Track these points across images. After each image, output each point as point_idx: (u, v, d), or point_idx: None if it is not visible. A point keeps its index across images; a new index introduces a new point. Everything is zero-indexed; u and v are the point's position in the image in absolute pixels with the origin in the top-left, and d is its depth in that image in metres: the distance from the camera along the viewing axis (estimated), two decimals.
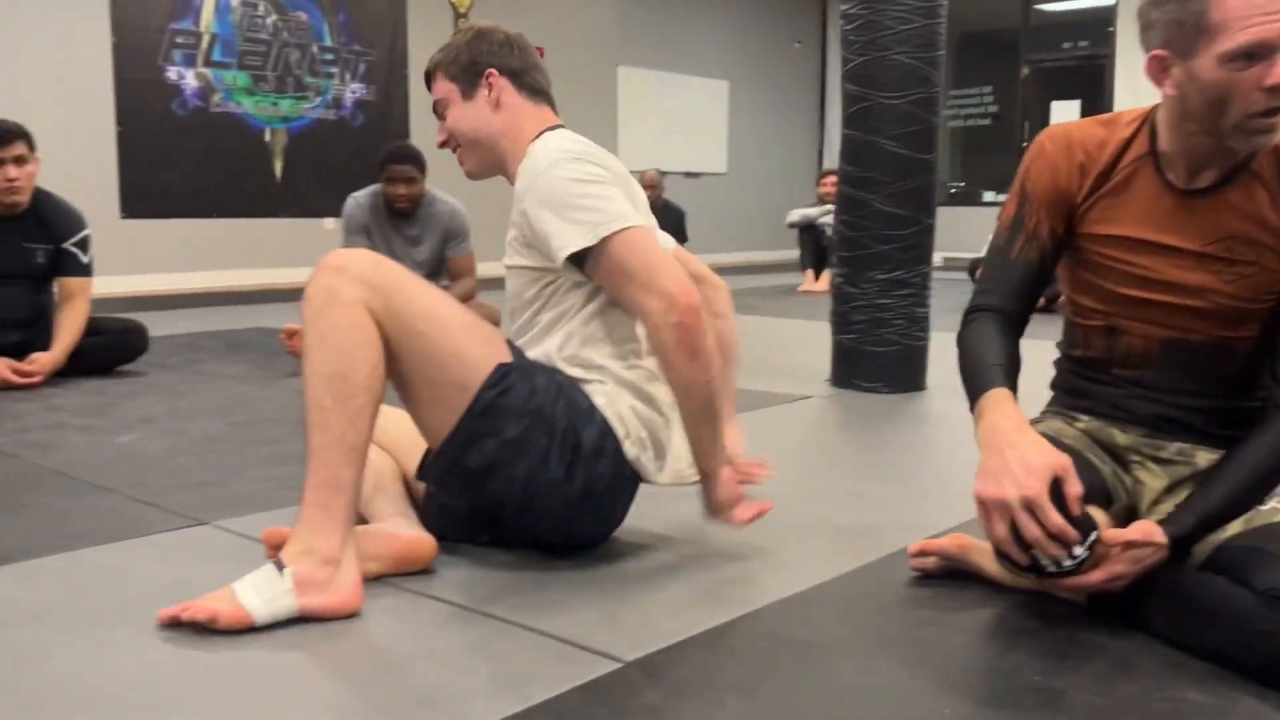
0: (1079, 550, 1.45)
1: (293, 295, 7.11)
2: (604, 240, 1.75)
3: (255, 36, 7.62)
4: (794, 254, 8.31)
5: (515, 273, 1.92)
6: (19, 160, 3.58)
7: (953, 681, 1.43)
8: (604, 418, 1.80)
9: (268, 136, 7.76)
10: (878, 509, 2.25)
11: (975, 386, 1.56)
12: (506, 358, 1.78)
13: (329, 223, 7.95)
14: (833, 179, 8.07)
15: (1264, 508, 1.51)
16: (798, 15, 12.30)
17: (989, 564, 1.71)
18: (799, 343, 4.65)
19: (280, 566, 1.60)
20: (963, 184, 11.88)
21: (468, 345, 1.76)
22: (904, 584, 1.78)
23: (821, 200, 8.21)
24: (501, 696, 1.35)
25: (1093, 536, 1.47)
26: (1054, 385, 1.79)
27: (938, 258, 3.80)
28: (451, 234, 4.66)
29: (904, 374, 3.67)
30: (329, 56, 8.02)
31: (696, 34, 10.91)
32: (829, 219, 7.91)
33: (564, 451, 1.76)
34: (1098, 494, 1.59)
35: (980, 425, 1.51)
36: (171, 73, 7.24)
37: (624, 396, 1.84)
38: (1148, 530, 1.47)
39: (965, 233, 9.98)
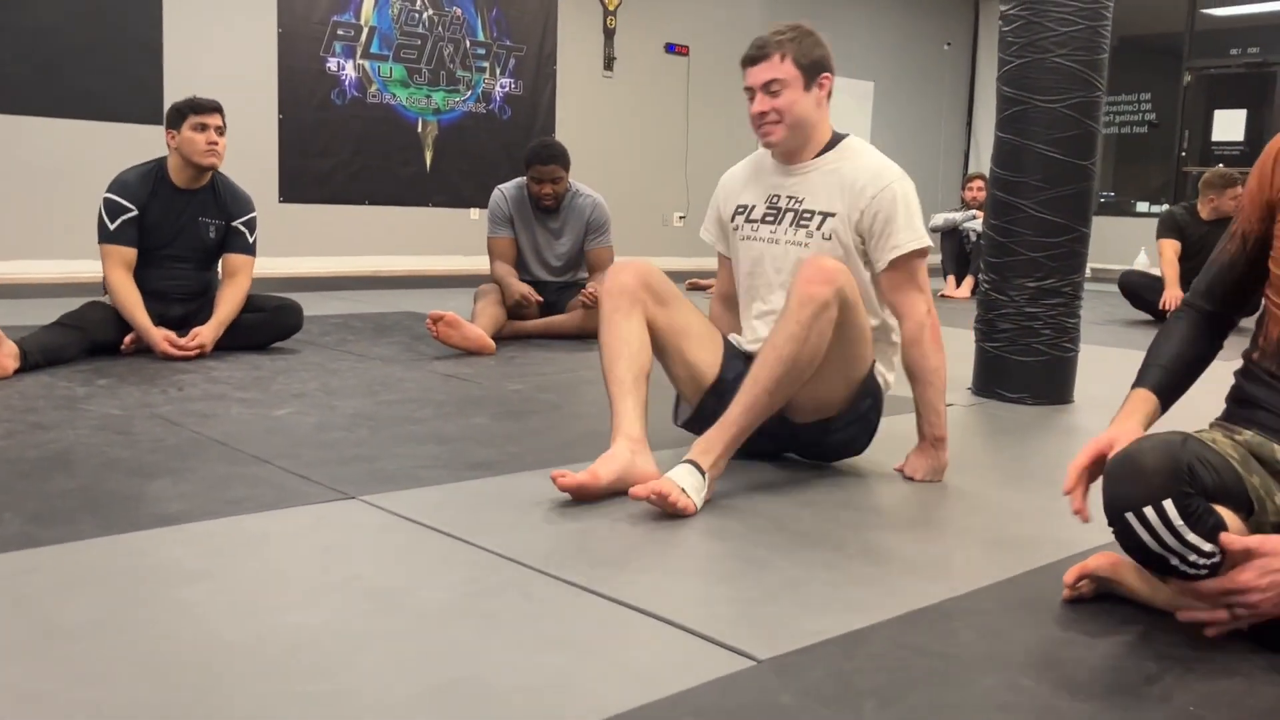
0: (1209, 547, 1.44)
1: (439, 281, 7.31)
2: (921, 249, 2.40)
3: (412, 30, 7.84)
4: (935, 258, 8.14)
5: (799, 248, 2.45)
6: (219, 130, 3.84)
7: (1099, 705, 1.38)
8: (876, 376, 2.46)
9: (420, 128, 7.98)
10: (1022, 522, 2.18)
11: (1137, 378, 1.73)
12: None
13: (475, 213, 8.14)
14: (979, 183, 7.86)
15: None
16: (948, 16, 12.02)
17: (1138, 582, 1.66)
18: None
19: (700, 469, 2.14)
20: (1113, 194, 11.43)
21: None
22: (1050, 601, 1.72)
23: (966, 205, 8.01)
24: (633, 686, 1.36)
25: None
26: (1228, 397, 1.73)
27: (1086, 269, 3.67)
28: (593, 227, 4.71)
29: (1051, 385, 3.55)
30: (481, 51, 8.21)
31: (843, 33, 10.76)
32: (974, 224, 7.71)
33: (877, 412, 2.48)
34: (1237, 500, 1.53)
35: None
36: (331, 64, 7.52)
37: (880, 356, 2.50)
38: (1272, 540, 1.40)
39: (1115, 244, 9.60)
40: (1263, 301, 1.72)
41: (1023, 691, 1.39)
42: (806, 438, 2.48)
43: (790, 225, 2.48)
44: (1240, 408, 1.68)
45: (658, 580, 1.75)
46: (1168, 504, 1.45)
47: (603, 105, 9.06)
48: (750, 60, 2.43)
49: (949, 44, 12.05)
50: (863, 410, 2.44)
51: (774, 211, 2.51)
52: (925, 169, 11.39)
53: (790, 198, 2.49)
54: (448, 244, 8.13)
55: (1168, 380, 1.65)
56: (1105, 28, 3.49)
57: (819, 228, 2.45)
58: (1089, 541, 1.98)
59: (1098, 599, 1.72)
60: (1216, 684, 1.43)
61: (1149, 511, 1.45)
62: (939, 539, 2.06)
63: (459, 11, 8.05)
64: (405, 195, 7.98)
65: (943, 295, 7.48)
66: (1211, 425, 1.71)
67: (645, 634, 1.54)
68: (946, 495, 2.41)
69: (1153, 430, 1.61)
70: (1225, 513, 1.51)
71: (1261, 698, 1.39)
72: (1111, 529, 1.53)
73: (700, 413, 2.46)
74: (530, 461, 2.49)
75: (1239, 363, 1.75)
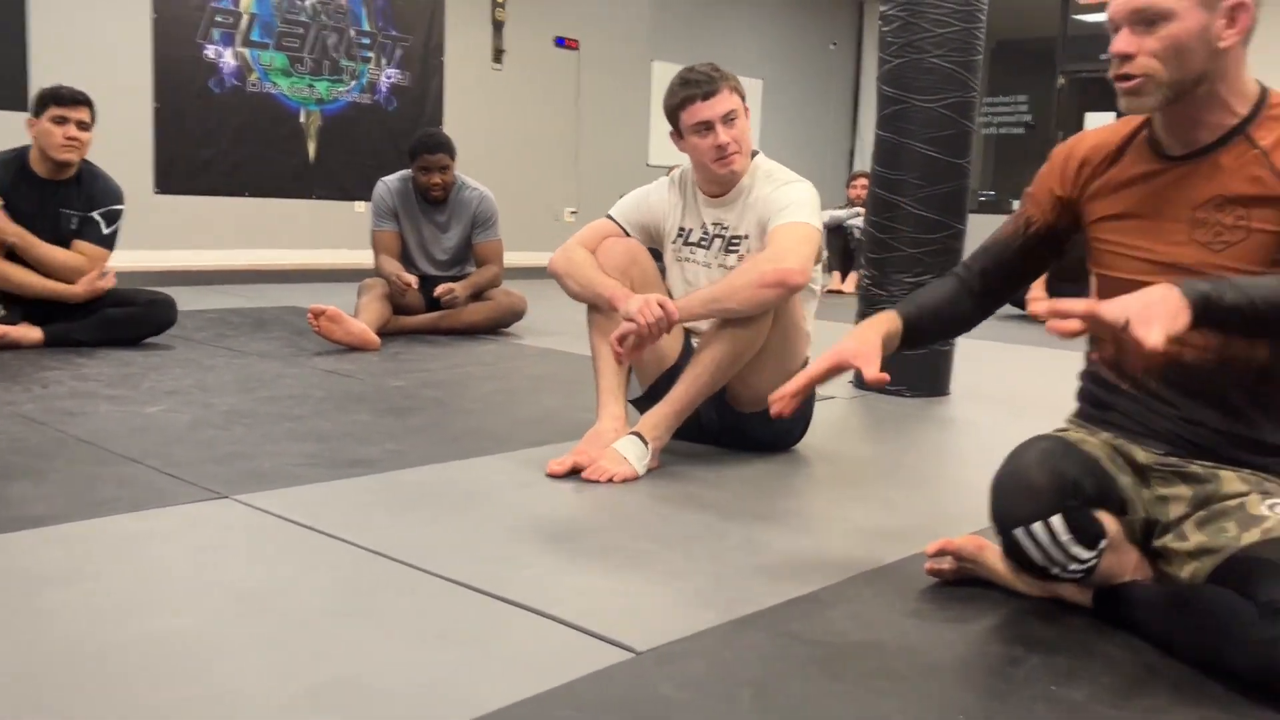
0: (1088, 556, 1.49)
1: (322, 276, 7.16)
2: (806, 224, 2.54)
3: (294, 18, 7.65)
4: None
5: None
6: (82, 124, 3.69)
7: (967, 687, 1.42)
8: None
9: (302, 118, 7.79)
10: (897, 512, 2.24)
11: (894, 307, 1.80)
12: None
13: (360, 206, 7.98)
14: (863, 181, 8.04)
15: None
16: (834, 16, 12.25)
17: (1002, 567, 1.72)
18: (823, 343, 4.63)
19: (643, 440, 2.37)
20: (993, 193, 11.80)
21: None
22: (921, 588, 1.77)
23: (851, 202, 8.19)
24: (512, 681, 1.35)
25: (1102, 544, 1.50)
26: (1080, 397, 1.79)
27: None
28: (480, 220, 4.67)
29: (929, 378, 3.65)
30: (366, 41, 8.05)
31: (732, 31, 10.87)
32: (857, 221, 7.89)
33: (810, 406, 2.70)
34: (1113, 502, 1.59)
35: None
36: (210, 51, 7.28)
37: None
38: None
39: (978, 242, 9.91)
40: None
41: (895, 676, 1.43)
42: (746, 426, 2.65)
43: (720, 250, 2.63)
44: (1095, 409, 1.74)
45: (540, 575, 1.75)
46: (1056, 520, 1.50)
47: (492, 98, 8.98)
48: (706, 95, 2.50)
49: (834, 44, 12.27)
50: (796, 405, 2.56)
51: (707, 238, 2.66)
52: (812, 167, 11.57)
53: (715, 224, 2.65)
54: (332, 237, 7.96)
55: (919, 321, 1.75)
56: (980, 30, 3.60)
57: (749, 252, 2.57)
58: (960, 529, 2.04)
59: (965, 583, 1.77)
60: (1076, 663, 1.48)
61: (1038, 528, 1.51)
62: (818, 529, 2.10)
63: (343, 0, 7.88)
64: (287, 187, 7.79)
65: (828, 290, 7.63)
66: (1070, 424, 1.77)
67: (525, 629, 1.53)
68: (827, 486, 2.46)
69: (1035, 438, 1.64)
70: (1104, 516, 1.56)
71: (1117, 675, 1.45)
72: (1000, 541, 1.58)
73: (652, 392, 2.62)
74: (412, 459, 2.45)
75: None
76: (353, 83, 8.03)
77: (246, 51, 7.47)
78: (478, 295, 4.63)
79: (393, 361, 3.83)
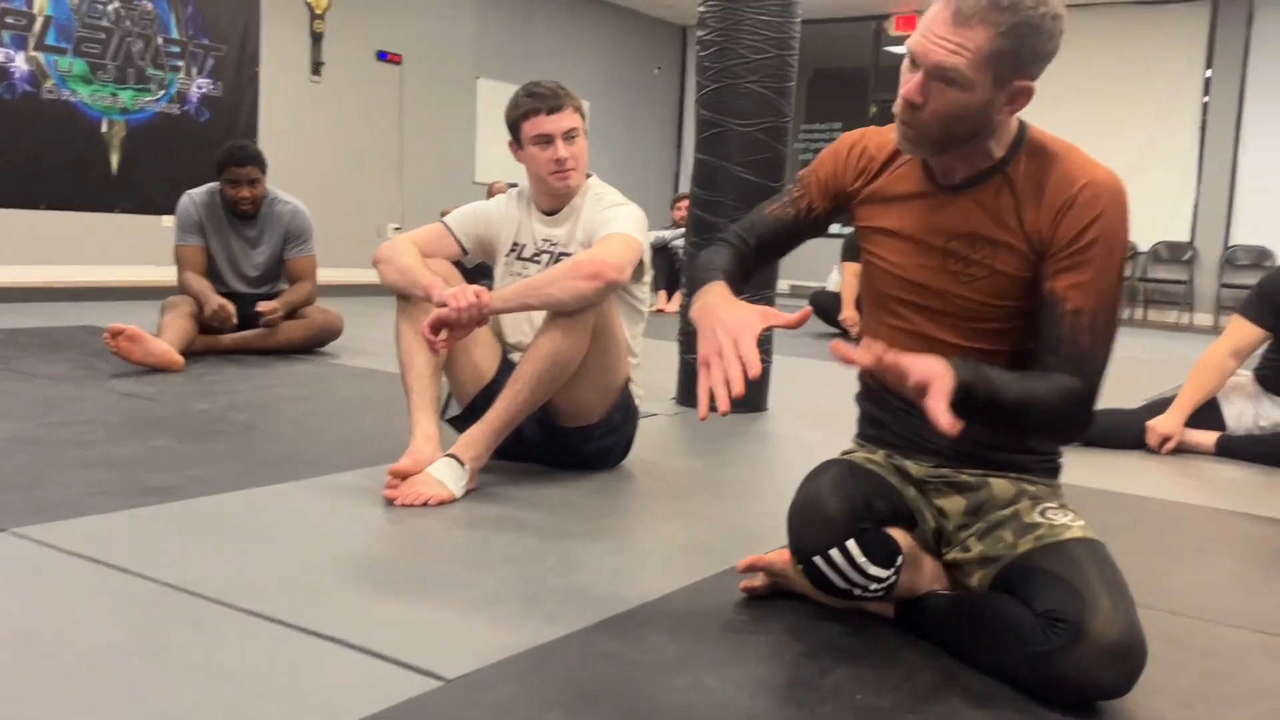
0: (886, 574, 1.53)
1: (125, 293, 6.77)
2: (629, 236, 2.53)
3: (94, 23, 7.25)
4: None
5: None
6: None
7: (777, 701, 1.44)
8: (631, 393, 2.67)
9: (105, 128, 7.39)
10: (714, 527, 2.26)
11: (698, 284, 1.65)
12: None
13: (167, 220, 7.59)
14: (687, 203, 8.17)
15: (1056, 522, 1.57)
16: (659, 41, 12.46)
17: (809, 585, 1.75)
18: (647, 362, 4.67)
19: (460, 462, 2.32)
20: None
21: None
22: (733, 602, 1.79)
23: (676, 223, 8.32)
24: (314, 716, 1.29)
25: (898, 560, 1.54)
26: (859, 418, 1.85)
27: (783, 285, 3.89)
28: (293, 235, 4.51)
29: (747, 395, 3.70)
30: (175, 49, 7.70)
31: (558, 52, 10.92)
32: (682, 241, 8.01)
33: (632, 427, 2.71)
34: (902, 517, 1.65)
35: (695, 306, 1.58)
36: None
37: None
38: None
39: (811, 262, 10.23)
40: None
41: (707, 691, 1.43)
42: (569, 443, 2.62)
43: (550, 267, 2.60)
44: (871, 428, 1.81)
45: (346, 604, 1.68)
46: (851, 544, 1.54)
47: (311, 111, 8.73)
48: (550, 109, 2.55)
49: (659, 68, 12.47)
50: (617, 422, 2.63)
51: (539, 254, 2.67)
52: (638, 189, 11.69)
53: (546, 240, 2.67)
54: (136, 253, 7.55)
55: (729, 279, 1.66)
56: (793, 57, 3.70)
57: None
58: (776, 541, 2.07)
59: (775, 595, 1.80)
60: (881, 672, 1.52)
61: (835, 554, 1.54)
62: (637, 547, 2.10)
63: (149, 6, 7.52)
64: (88, 200, 7.36)
65: (654, 310, 7.71)
66: (854, 444, 1.83)
67: (329, 661, 1.46)
68: (647, 503, 2.47)
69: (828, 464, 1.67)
70: (897, 533, 1.62)
71: (919, 683, 1.50)
72: (799, 568, 1.61)
73: (470, 410, 2.57)
74: (215, 485, 2.33)
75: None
76: (161, 92, 7.67)
77: (41, 56, 7.03)
78: (291, 314, 4.47)
79: (198, 383, 3.65)
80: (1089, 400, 1.52)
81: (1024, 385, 1.49)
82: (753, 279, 1.84)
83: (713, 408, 1.41)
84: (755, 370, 1.40)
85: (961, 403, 1.41)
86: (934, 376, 1.35)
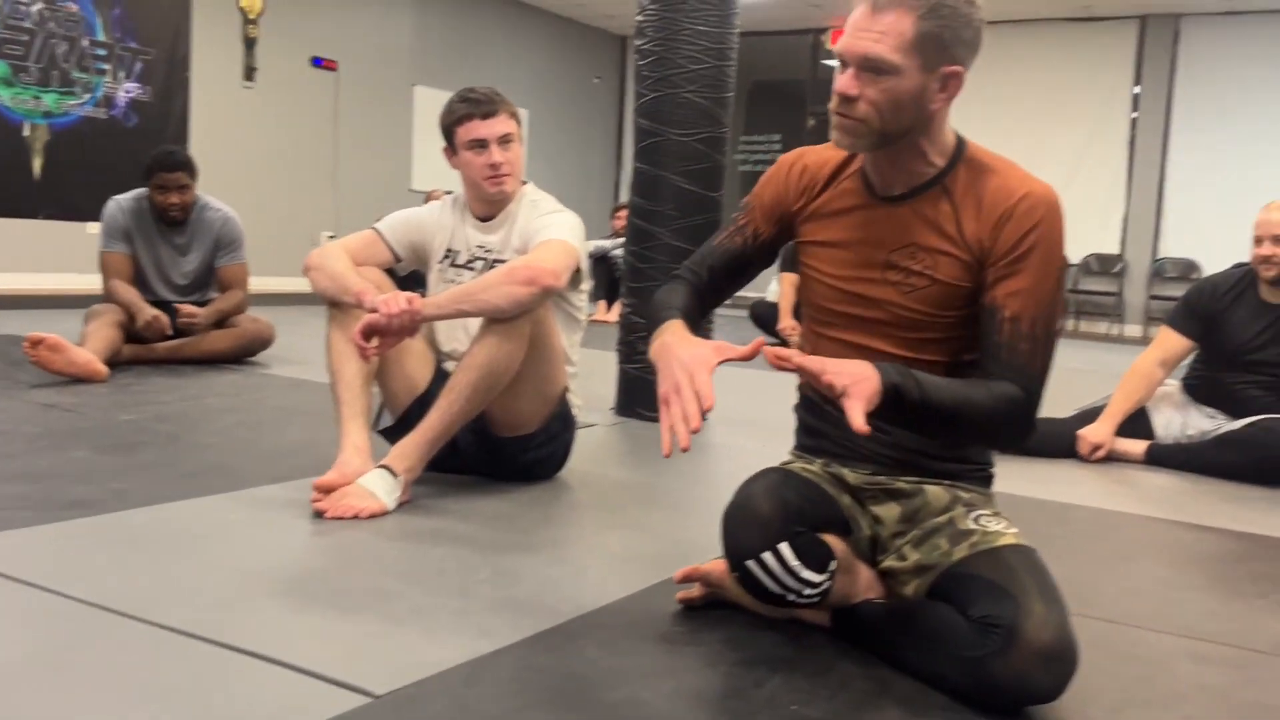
0: (819, 579, 1.53)
1: (47, 302, 6.59)
2: (565, 242, 2.51)
3: (17, 24, 7.06)
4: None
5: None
6: None
7: (712, 712, 1.42)
8: (569, 403, 2.64)
9: (26, 131, 7.19)
10: (651, 537, 2.25)
11: (656, 323, 1.68)
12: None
13: (92, 227, 7.41)
14: (626, 212, 8.17)
15: (990, 529, 1.58)
16: (599, 50, 12.46)
17: (745, 593, 1.74)
18: (586, 372, 4.65)
19: (393, 473, 2.27)
20: None
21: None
22: (670, 613, 1.77)
23: (616, 233, 8.31)
24: None
25: (832, 565, 1.54)
26: (796, 429, 1.86)
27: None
28: (224, 242, 4.42)
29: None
30: (101, 52, 7.53)
31: (497, 60, 10.87)
32: (621, 251, 8.00)
33: (570, 436, 2.67)
34: (837, 524, 1.65)
35: (654, 345, 1.61)
36: None
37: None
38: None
39: None
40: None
41: (642, 704, 1.41)
42: (505, 453, 2.57)
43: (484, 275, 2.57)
44: (808, 438, 1.82)
45: (272, 619, 1.63)
46: (784, 547, 1.53)
47: (244, 117, 8.59)
48: (485, 114, 2.53)
49: (599, 78, 12.48)
50: (555, 432, 2.59)
51: (474, 261, 2.63)
52: (578, 198, 11.69)
53: (480, 247, 2.63)
54: (60, 261, 7.36)
55: (686, 319, 1.67)
56: (730, 68, 3.71)
57: None
58: (713, 552, 2.06)
59: (712, 606, 1.79)
60: (816, 682, 1.51)
61: (768, 557, 1.54)
62: (573, 558, 2.07)
63: (74, 8, 7.35)
64: (9, 206, 7.15)
65: (594, 320, 7.69)
66: (791, 455, 1.84)
67: (253, 677, 1.42)
68: (584, 514, 2.44)
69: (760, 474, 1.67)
70: (831, 539, 1.62)
71: (854, 691, 1.49)
72: (734, 575, 1.60)
73: (403, 421, 2.52)
74: (137, 498, 2.26)
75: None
76: (86, 96, 7.49)
77: None
78: (221, 322, 4.37)
79: (122, 393, 3.55)
80: (1029, 407, 1.55)
81: (960, 390, 1.52)
82: (712, 310, 1.86)
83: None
84: (709, 403, 1.44)
85: (892, 405, 1.44)
86: (855, 380, 1.40)
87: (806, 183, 1.74)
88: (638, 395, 3.72)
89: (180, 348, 4.24)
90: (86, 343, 3.87)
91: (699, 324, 1.72)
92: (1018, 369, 1.54)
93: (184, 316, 4.21)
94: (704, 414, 1.44)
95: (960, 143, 1.64)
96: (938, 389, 1.49)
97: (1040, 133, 10.34)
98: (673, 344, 1.55)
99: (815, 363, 1.42)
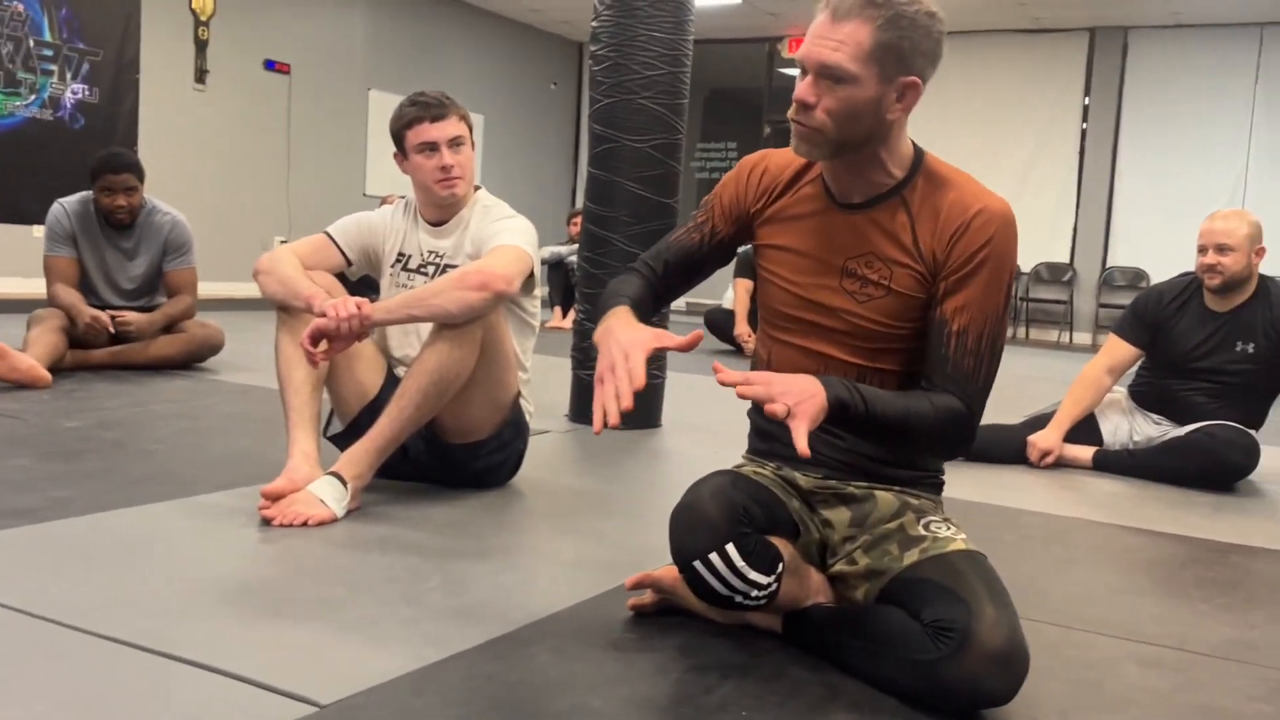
0: (767, 581, 1.53)
1: None
2: (517, 247, 2.49)
3: None
4: (544, 290, 8.32)
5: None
6: None
7: (664, 719, 1.41)
8: (521, 409, 2.62)
9: None
10: (606, 544, 2.24)
11: (603, 310, 1.68)
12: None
13: (38, 230, 7.28)
14: (582, 218, 8.16)
15: (940, 535, 1.59)
16: (556, 56, 12.44)
17: (696, 599, 1.73)
18: (540, 379, 4.63)
19: (342, 480, 2.23)
20: None
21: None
22: (621, 620, 1.76)
23: (572, 239, 8.28)
24: None
25: (779, 567, 1.54)
26: (750, 432, 1.86)
27: (680, 302, 3.89)
28: (172, 246, 4.35)
29: (641, 411, 3.70)
30: (48, 53, 7.40)
31: (452, 65, 10.82)
32: (576, 257, 7.99)
33: (523, 443, 2.63)
34: (785, 527, 1.65)
35: (598, 330, 1.62)
36: None
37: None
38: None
39: (712, 279, 10.33)
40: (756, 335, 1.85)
41: (592, 712, 1.40)
42: (456, 459, 2.54)
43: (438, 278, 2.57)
44: (761, 441, 1.82)
45: (216, 628, 1.60)
46: (730, 548, 1.53)
47: (195, 120, 8.48)
48: (435, 117, 2.52)
49: (555, 83, 12.46)
50: (507, 439, 2.57)
51: (426, 266, 2.62)
52: (534, 203, 11.65)
53: (432, 253, 2.61)
54: (4, 265, 7.22)
55: (634, 306, 1.67)
56: (685, 75, 3.72)
57: None
58: (666, 558, 2.05)
59: (664, 612, 1.78)
60: (766, 687, 1.51)
61: (714, 558, 1.53)
62: (524, 566, 2.06)
63: (20, 7, 7.21)
64: None
65: (549, 326, 7.67)
66: (744, 459, 1.84)
67: (195, 687, 1.39)
68: (536, 521, 2.43)
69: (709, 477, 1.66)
70: (779, 541, 1.62)
71: (805, 697, 1.49)
72: (682, 576, 1.59)
73: (353, 428, 2.49)
74: (80, 506, 2.22)
75: None
76: (32, 97, 7.35)
77: None
78: (169, 327, 4.30)
79: (66, 400, 3.48)
80: (969, 420, 1.57)
81: (904, 404, 1.54)
82: (664, 305, 1.86)
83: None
84: (639, 383, 1.44)
85: (838, 419, 1.47)
86: (801, 399, 1.42)
87: (767, 185, 1.74)
88: (591, 402, 3.70)
89: (126, 353, 4.17)
90: (29, 348, 3.80)
91: (648, 315, 1.72)
92: (961, 382, 1.56)
93: (120, 323, 4.13)
94: (642, 397, 1.46)
95: (919, 154, 1.65)
96: (883, 403, 1.52)
97: (992, 143, 10.46)
98: (614, 327, 1.57)
99: (761, 388, 1.43)
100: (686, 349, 1.48)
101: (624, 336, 1.52)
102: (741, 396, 1.44)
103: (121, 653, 1.49)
